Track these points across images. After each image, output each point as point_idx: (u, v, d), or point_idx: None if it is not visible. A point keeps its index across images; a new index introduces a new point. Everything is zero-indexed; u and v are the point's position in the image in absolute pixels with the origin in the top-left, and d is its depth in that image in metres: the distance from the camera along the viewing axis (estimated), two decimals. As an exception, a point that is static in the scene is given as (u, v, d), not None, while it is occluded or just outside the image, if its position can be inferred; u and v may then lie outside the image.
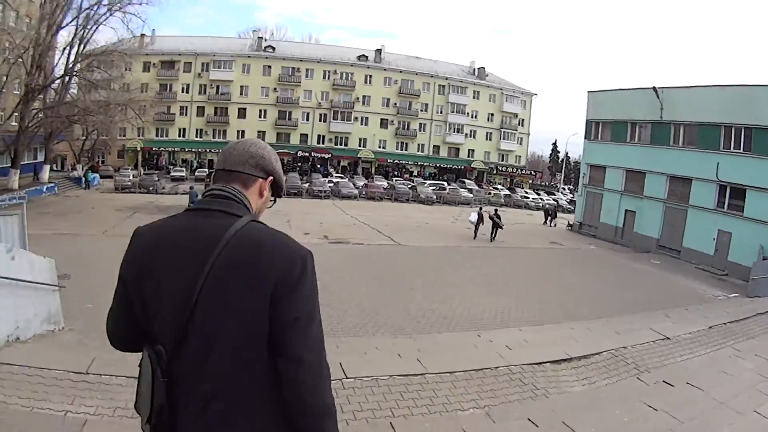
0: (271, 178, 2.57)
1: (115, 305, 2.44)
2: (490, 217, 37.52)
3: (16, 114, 44.45)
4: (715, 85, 36.37)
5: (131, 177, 58.98)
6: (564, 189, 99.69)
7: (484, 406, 7.15)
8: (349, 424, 6.33)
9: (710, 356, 10.41)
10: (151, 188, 55.36)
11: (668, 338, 11.75)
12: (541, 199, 72.54)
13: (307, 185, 62.43)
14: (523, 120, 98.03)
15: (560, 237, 42.96)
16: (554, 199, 73.00)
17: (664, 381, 8.39)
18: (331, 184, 63.24)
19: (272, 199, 2.68)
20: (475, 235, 37.36)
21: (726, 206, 34.31)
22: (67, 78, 49.52)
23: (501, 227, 37.51)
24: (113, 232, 30.89)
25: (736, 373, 9.32)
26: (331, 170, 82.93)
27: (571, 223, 49.53)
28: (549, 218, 52.50)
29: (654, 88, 38.96)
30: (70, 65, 49.18)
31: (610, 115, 44.32)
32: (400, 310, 17.18)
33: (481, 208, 42.56)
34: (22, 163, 50.31)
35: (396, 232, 35.08)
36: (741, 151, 33.48)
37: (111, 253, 21.61)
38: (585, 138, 47.61)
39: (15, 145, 45.29)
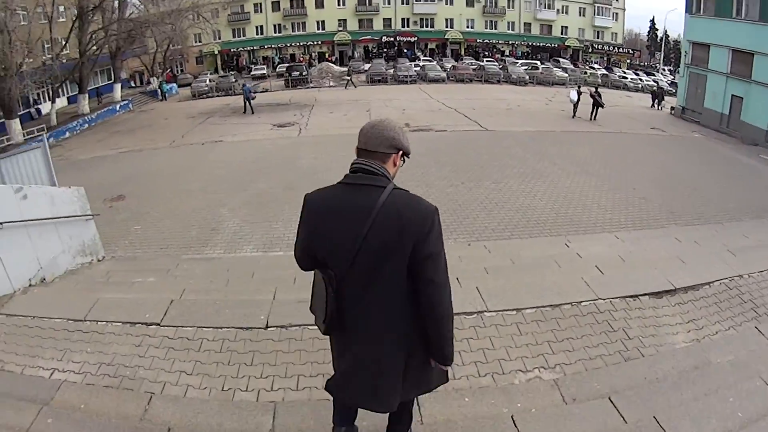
0: (403, 153, 3.42)
1: (298, 244, 3.50)
2: (591, 96, 37.41)
3: (74, 38, 44.13)
4: None
5: (207, 82, 59.10)
6: (664, 69, 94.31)
7: (554, 367, 5.69)
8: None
9: None
10: (229, 90, 55.30)
11: (794, 264, 10.07)
12: (640, 79, 68.85)
13: (392, 71, 60.94)
14: None
15: (662, 122, 39.96)
16: (654, 80, 69.22)
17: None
18: (418, 68, 61.71)
19: (403, 160, 3.49)
20: (574, 114, 37.52)
21: None
22: None
23: (602, 106, 37.13)
24: (181, 141, 31.27)
25: None
26: (419, 54, 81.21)
27: (673, 107, 46.06)
28: (656, 100, 49.35)
29: None
30: None
31: None
32: (478, 208, 16.20)
33: (580, 86, 42.63)
34: (97, 85, 53.10)
35: (484, 117, 33.73)
36: None
37: (171, 168, 21.51)
38: (686, 12, 43.31)
39: (79, 70, 45.28)
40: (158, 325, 6.42)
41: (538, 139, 27.68)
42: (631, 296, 7.19)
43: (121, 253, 13.40)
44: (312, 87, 55.99)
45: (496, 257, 10.58)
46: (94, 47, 45.60)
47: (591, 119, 36.84)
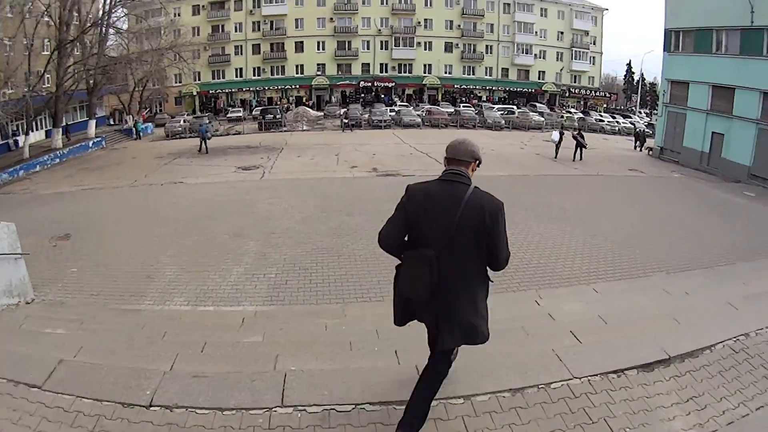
0: (478, 161, 4.67)
1: (394, 226, 4.52)
2: (573, 137, 38.20)
3: (53, 70, 44.23)
4: None
5: (182, 122, 59.04)
6: (640, 112, 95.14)
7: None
8: None
9: None
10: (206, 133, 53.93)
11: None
12: (617, 122, 69.70)
13: (367, 116, 60.67)
14: (594, 38, 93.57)
15: (640, 163, 39.20)
16: (631, 123, 69.51)
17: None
18: (393, 113, 61.54)
19: (478, 166, 4.71)
20: (556, 155, 37.93)
21: None
22: (103, 29, 49.75)
23: (585, 146, 37.96)
24: (143, 181, 30.29)
25: None
26: (396, 99, 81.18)
27: (650, 148, 45.75)
28: (639, 142, 48.96)
29: None
30: (103, 14, 49.41)
31: (692, 23, 39.10)
32: None
33: (563, 127, 45.04)
34: (74, 121, 53.63)
35: (456, 162, 32.08)
36: None
37: (124, 208, 19.19)
38: (664, 50, 42.78)
39: (54, 104, 45.42)
40: (39, 388, 5.42)
41: (511, 183, 26.10)
42: (614, 372, 5.58)
43: (52, 297, 12.12)
44: (285, 130, 55.66)
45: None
46: (70, 81, 45.60)
47: (574, 160, 36.93)
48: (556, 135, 39.31)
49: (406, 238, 4.51)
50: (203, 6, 79.51)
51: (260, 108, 69.41)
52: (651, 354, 6.02)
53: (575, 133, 39.02)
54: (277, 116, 60.30)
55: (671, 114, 41.88)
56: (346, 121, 56.51)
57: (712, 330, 6.85)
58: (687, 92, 39.84)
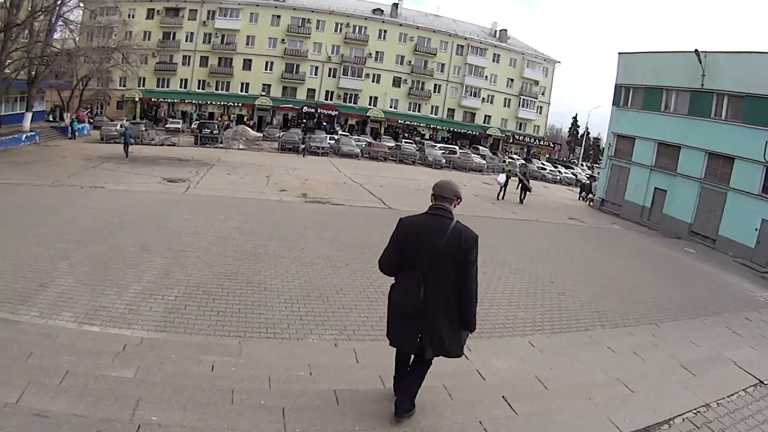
0: (459, 200, 6.00)
1: (390, 253, 5.89)
2: (519, 179, 38.49)
3: None
4: None
5: (118, 127, 56.39)
6: (582, 165, 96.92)
7: None
8: None
9: None
10: (137, 139, 52.52)
11: (763, 383, 8.02)
12: (559, 171, 71.10)
13: (305, 141, 59.13)
14: (544, 88, 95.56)
15: (580, 213, 38.88)
16: (573, 173, 71.62)
17: None
18: (332, 141, 60.53)
19: (459, 203, 6.03)
20: (501, 197, 37.81)
21: None
22: (53, 18, 47.83)
23: (529, 190, 38.49)
24: (65, 181, 28.20)
25: None
26: (338, 128, 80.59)
27: (592, 199, 46.20)
28: (584, 192, 49.31)
29: (696, 51, 34.30)
30: (56, 2, 47.00)
31: (643, 81, 39.81)
32: (360, 296, 12.61)
33: (509, 171, 44.89)
34: (11, 112, 50.84)
35: (390, 195, 31.38)
36: None
37: (37, 207, 18.63)
38: (613, 104, 43.01)
39: None
40: None
41: None
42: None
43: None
44: (221, 147, 54.25)
45: (365, 370, 8.29)
46: (11, 68, 43.68)
47: (520, 202, 37.10)
48: (502, 177, 39.35)
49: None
50: (158, 11, 78.55)
51: (198, 122, 67.84)
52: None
53: (521, 175, 39.19)
54: (214, 131, 58.90)
55: (615, 167, 42.05)
56: (303, 146, 55.32)
57: (670, 401, 6.37)
58: (632, 147, 40.25)
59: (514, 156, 78.90)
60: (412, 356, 6.17)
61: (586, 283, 17.10)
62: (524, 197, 37.82)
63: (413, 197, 31.89)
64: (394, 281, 6.01)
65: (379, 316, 10.95)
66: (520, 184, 38.08)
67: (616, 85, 42.64)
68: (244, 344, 8.84)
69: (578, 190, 52.59)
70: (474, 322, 5.84)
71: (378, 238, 19.01)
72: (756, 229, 29.87)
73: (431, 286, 5.57)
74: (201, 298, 11.08)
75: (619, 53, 43.09)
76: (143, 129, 55.89)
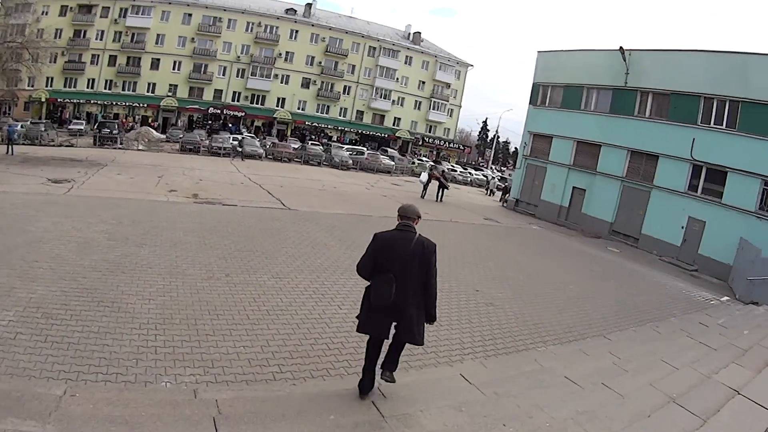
0: (419, 218, 7.10)
1: (368, 259, 6.96)
2: (436, 178, 39.32)
3: None
4: (697, 50, 31.40)
5: (19, 128, 52.18)
6: (492, 167, 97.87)
7: None
8: None
9: None
10: (35, 139, 49.93)
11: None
12: (470, 173, 71.92)
13: (207, 141, 56.90)
14: (456, 91, 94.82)
15: (494, 213, 37.63)
16: (483, 175, 71.83)
17: None
18: (235, 142, 57.76)
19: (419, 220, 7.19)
20: (423, 195, 38.43)
21: (700, 190, 29.79)
22: None
23: (447, 188, 39.45)
24: None
25: None
26: (244, 130, 76.93)
27: (505, 199, 45.60)
28: (507, 195, 47.94)
29: (621, 48, 33.83)
30: None
31: (563, 79, 39.06)
32: (237, 318, 9.88)
33: (432, 169, 45.60)
34: None
35: (290, 195, 28.90)
36: (723, 127, 28.97)
37: None
38: (530, 103, 42.09)
39: None
40: None
41: (351, 224, 22.33)
42: None
43: None
44: (120, 148, 51.03)
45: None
46: None
47: (438, 200, 37.83)
48: (424, 176, 40.69)
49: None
50: (71, 8, 73.74)
51: (98, 122, 64.27)
52: None
53: (439, 174, 40.43)
54: (114, 131, 55.41)
55: (531, 167, 41.24)
56: (240, 149, 53.29)
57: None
58: (550, 146, 39.51)
59: (423, 158, 78.59)
60: (388, 342, 7.17)
61: (515, 290, 15.19)
62: (442, 195, 38.50)
63: (316, 198, 29.92)
64: (369, 284, 7.00)
65: (261, 345, 8.63)
66: (438, 183, 38.63)
67: (533, 83, 41.82)
68: (69, 394, 6.17)
69: (485, 191, 55.78)
70: (435, 314, 7.07)
71: (270, 242, 16.49)
72: (682, 227, 29.75)
73: (402, 285, 6.68)
74: (38, 324, 8.32)
75: (538, 52, 42.41)
76: (42, 129, 52.56)
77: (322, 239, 18.13)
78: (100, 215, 17.53)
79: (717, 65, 29.71)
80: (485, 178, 68.07)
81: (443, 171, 42.42)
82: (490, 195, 52.87)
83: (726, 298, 21.29)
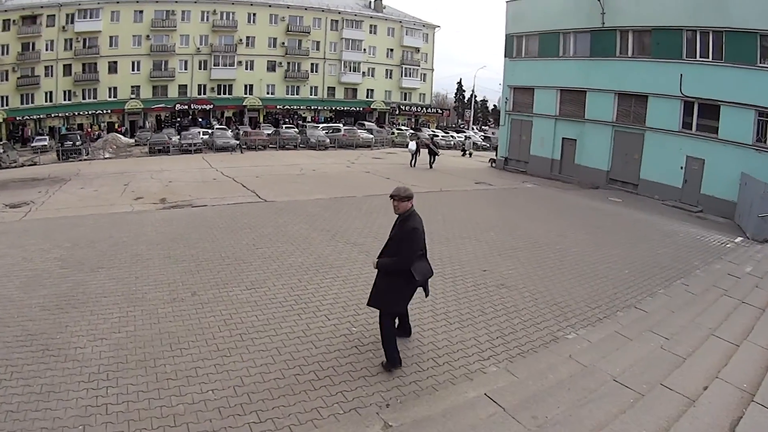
0: (413, 199, 7.52)
1: (416, 251, 7.33)
2: (426, 145, 40.70)
3: None
4: None
5: None
6: (474, 128, 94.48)
7: None
8: None
9: None
10: None
11: None
12: (452, 137, 70.42)
13: (176, 140, 54.90)
14: (426, 55, 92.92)
15: (485, 175, 35.91)
16: (466, 137, 69.41)
17: None
18: (206, 137, 56.26)
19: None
20: (413, 164, 39.01)
21: (694, 127, 28.34)
22: None
23: (437, 154, 39.93)
24: None
25: None
26: (214, 122, 75.31)
27: (493, 159, 44.28)
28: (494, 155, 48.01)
29: None
30: None
31: (537, 27, 37.23)
32: (204, 351, 8.11)
33: (418, 138, 47.94)
34: None
35: (266, 186, 27.12)
36: (710, 59, 27.45)
37: None
38: (505, 56, 40.31)
39: None
40: None
41: (334, 209, 20.39)
42: None
43: None
44: (86, 159, 49.17)
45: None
46: None
47: (430, 167, 38.06)
48: (412, 145, 40.97)
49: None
50: (14, 20, 70.26)
51: (60, 134, 62.33)
52: None
53: (428, 142, 41.79)
54: (77, 143, 53.44)
55: (515, 122, 39.74)
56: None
57: None
58: (532, 98, 38.06)
59: (402, 127, 77.46)
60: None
61: (525, 263, 13.47)
62: (434, 162, 38.79)
63: (294, 184, 28.06)
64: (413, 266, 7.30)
65: (234, 384, 7.03)
66: (429, 150, 39.44)
67: (506, 35, 40.12)
68: None
69: (462, 153, 55.37)
70: (385, 266, 7.50)
71: (244, 244, 14.63)
72: (681, 168, 28.54)
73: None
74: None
75: (507, 1, 40.41)
76: (1, 151, 50.23)
77: (302, 232, 16.26)
78: (55, 239, 15.67)
79: (694, -5, 28.22)
80: (469, 140, 66.22)
81: (432, 138, 43.51)
82: (468, 157, 51.88)
83: (739, 238, 20.33)
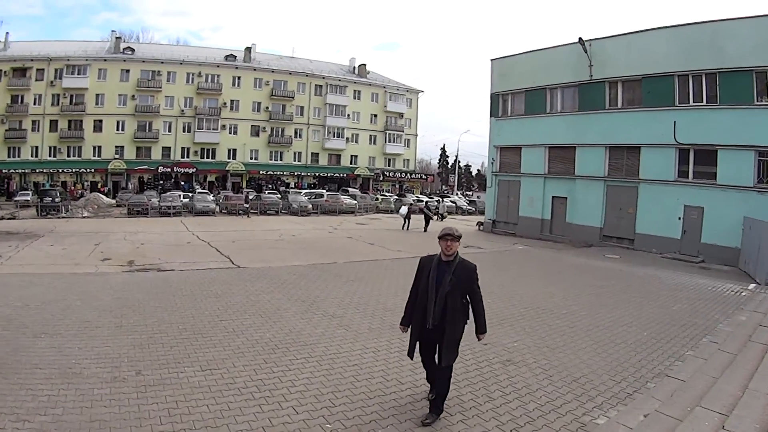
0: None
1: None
2: (421, 210, 43.62)
3: None
4: (662, 27, 29.86)
5: None
6: (458, 193, 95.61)
7: None
8: None
9: None
10: None
11: None
12: (436, 202, 68.87)
13: (155, 202, 54.26)
14: (410, 120, 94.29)
15: (473, 239, 34.39)
16: (452, 201, 70.87)
17: None
18: (186, 200, 55.83)
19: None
20: (406, 228, 39.87)
21: (691, 175, 28.64)
22: None
23: (431, 218, 42.00)
24: None
25: None
26: (197, 186, 74.71)
27: (480, 222, 43.42)
28: (436, 218, 49.32)
29: (580, 40, 31.96)
30: None
31: (523, 84, 37.00)
32: None
33: (411, 203, 50.12)
34: None
35: (242, 251, 25.86)
36: (704, 103, 27.46)
37: None
38: (491, 116, 39.88)
39: None
40: None
41: (311, 278, 18.88)
42: None
43: None
44: (64, 216, 48.49)
45: None
46: None
47: (425, 231, 38.32)
48: (404, 209, 42.49)
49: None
50: (5, 72, 71.14)
51: (40, 190, 61.54)
52: None
53: (423, 207, 44.95)
54: (56, 199, 52.82)
55: (503, 183, 39.14)
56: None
57: None
58: (520, 158, 37.56)
59: (387, 193, 78.15)
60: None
61: (531, 333, 12.16)
62: (427, 226, 39.58)
63: (271, 250, 26.78)
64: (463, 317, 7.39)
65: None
66: (424, 215, 41.65)
67: (491, 94, 39.92)
68: None
69: (436, 218, 52.92)
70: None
71: (206, 314, 12.95)
72: (679, 218, 28.43)
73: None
74: None
75: (492, 60, 40.56)
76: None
77: (275, 302, 14.56)
78: (7, 297, 14.14)
79: (685, 39, 28.57)
80: (454, 205, 67.43)
81: (427, 203, 46.34)
82: (440, 220, 49.60)
83: (753, 285, 19.79)
